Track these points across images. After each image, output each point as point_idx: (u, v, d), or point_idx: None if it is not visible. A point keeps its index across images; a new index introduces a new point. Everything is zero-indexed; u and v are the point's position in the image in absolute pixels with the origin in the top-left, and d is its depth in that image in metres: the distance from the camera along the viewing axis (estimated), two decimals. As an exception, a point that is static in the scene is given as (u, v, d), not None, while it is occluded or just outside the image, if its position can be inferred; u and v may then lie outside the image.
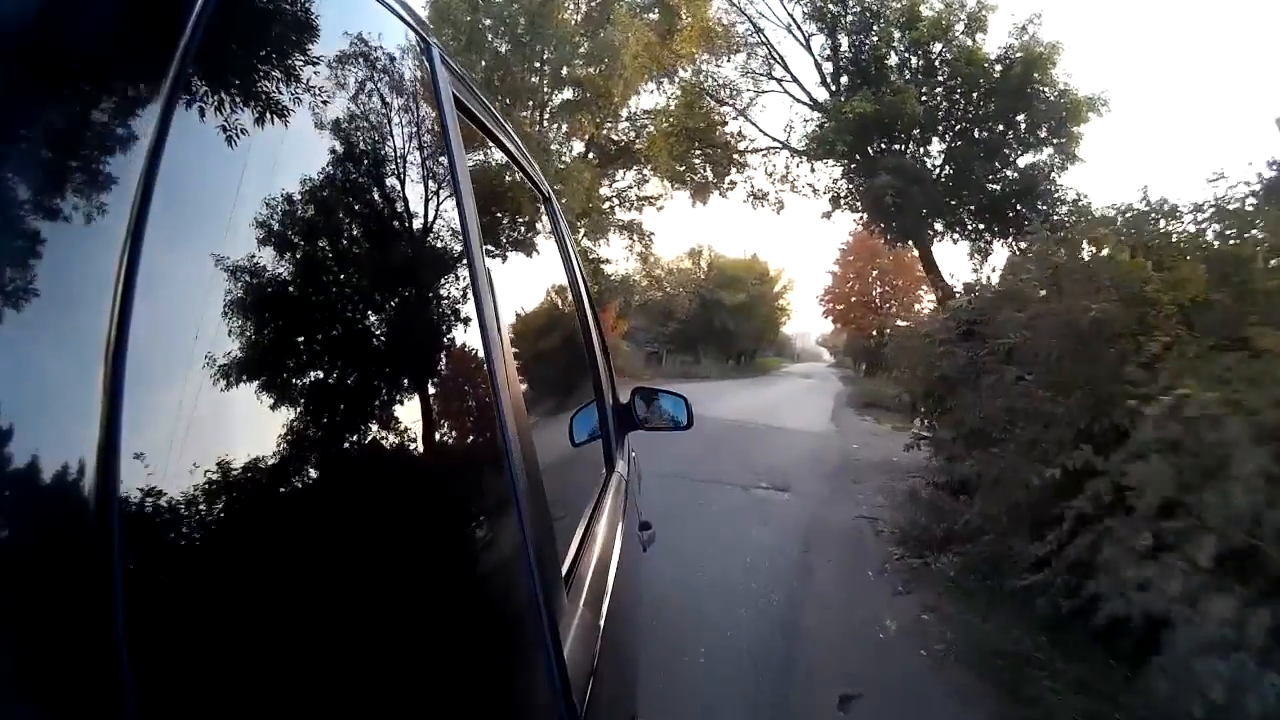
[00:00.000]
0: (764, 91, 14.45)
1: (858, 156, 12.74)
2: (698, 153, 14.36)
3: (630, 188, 19.13)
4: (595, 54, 16.78)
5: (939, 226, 12.34)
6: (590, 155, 17.68)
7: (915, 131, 12.23)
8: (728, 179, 14.88)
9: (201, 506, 0.32)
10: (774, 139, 14.57)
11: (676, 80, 13.54)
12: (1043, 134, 11.80)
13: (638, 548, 1.84)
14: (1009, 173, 12.42)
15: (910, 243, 13.37)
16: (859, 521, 6.03)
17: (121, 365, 0.27)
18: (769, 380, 27.51)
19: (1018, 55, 11.39)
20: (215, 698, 0.31)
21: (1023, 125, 11.86)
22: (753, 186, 15.00)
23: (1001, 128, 11.89)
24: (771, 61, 13.96)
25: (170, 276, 0.32)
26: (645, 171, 17.12)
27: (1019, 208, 12.16)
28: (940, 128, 12.27)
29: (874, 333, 33.94)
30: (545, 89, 16.58)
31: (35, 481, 0.25)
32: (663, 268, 28.77)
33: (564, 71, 16.39)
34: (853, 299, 31.91)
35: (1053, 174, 11.74)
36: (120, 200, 0.29)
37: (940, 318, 4.94)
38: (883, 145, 12.41)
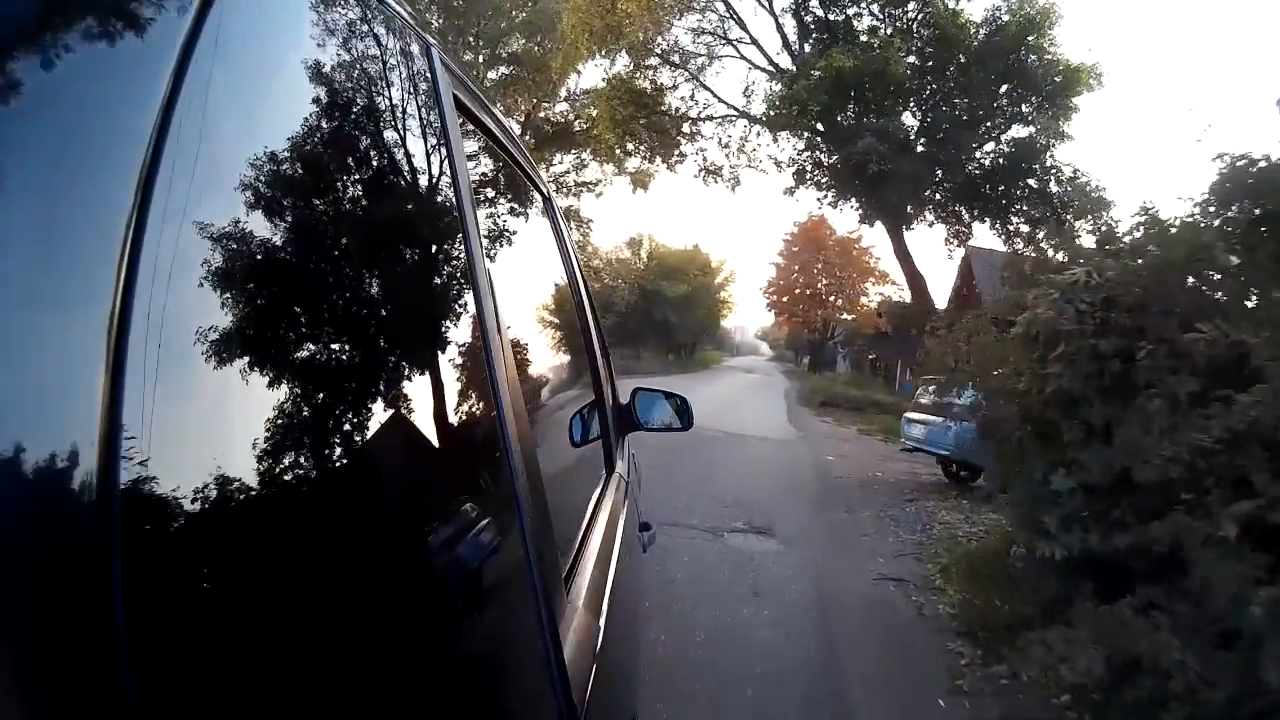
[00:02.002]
0: (719, 56, 12.49)
1: (821, 128, 10.91)
2: (644, 119, 12.25)
3: (568, 172, 17.47)
4: (533, 22, 15.34)
5: (909, 209, 10.63)
6: (526, 136, 15.63)
7: (893, 97, 10.42)
8: (677, 151, 12.82)
9: (200, 506, 0.32)
10: (731, 106, 12.63)
11: (622, 41, 11.41)
12: (1032, 105, 10.20)
13: (638, 548, 1.84)
14: (998, 146, 10.80)
15: (881, 223, 11.60)
16: (883, 586, 4.69)
17: (123, 361, 0.28)
18: (712, 375, 26.04)
19: (1006, 19, 9.77)
20: (215, 697, 0.31)
21: (1011, 95, 10.22)
22: (705, 159, 13.03)
23: (984, 98, 10.24)
24: (727, 22, 12.03)
25: (170, 276, 0.32)
26: (584, 155, 15.26)
27: (1002, 187, 10.55)
28: (912, 100, 10.55)
29: (819, 326, 32.68)
30: (480, 65, 14.58)
31: (35, 479, 0.25)
32: (601, 258, 26.89)
33: (500, 46, 14.21)
34: (796, 291, 30.49)
35: (1048, 147, 10.13)
36: (121, 199, 0.30)
37: (1046, 295, 3.07)
38: (860, 108, 10.59)
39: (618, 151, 14.78)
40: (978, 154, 11.86)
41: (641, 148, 14.07)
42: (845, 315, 31.33)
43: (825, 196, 13.09)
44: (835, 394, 18.59)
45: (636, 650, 1.56)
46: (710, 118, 13.92)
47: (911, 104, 11.64)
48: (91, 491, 0.26)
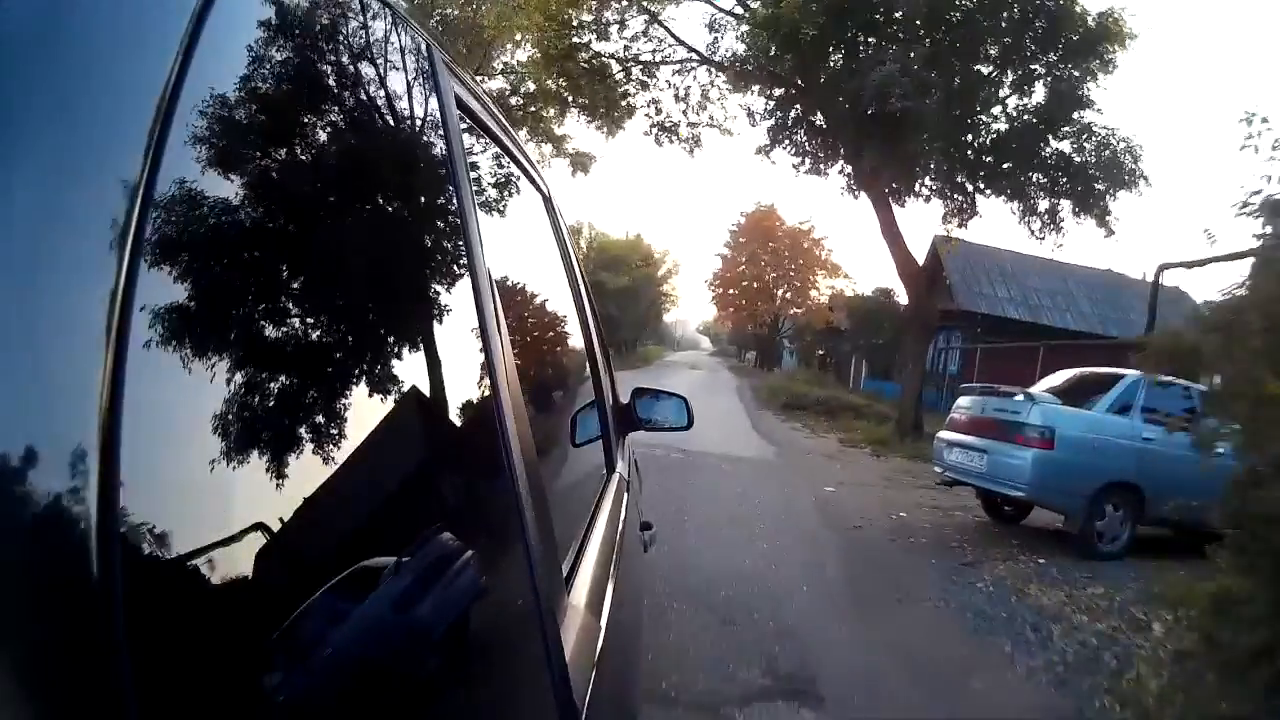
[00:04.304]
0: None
1: (802, 82, 8.36)
2: (586, 64, 9.43)
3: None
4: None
5: (913, 175, 8.19)
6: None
7: (901, 31, 7.93)
8: (625, 102, 10.03)
9: (201, 504, 0.33)
10: (692, 49, 9.89)
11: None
12: (1055, 57, 7.85)
13: (638, 548, 1.85)
14: (1020, 101, 8.43)
15: (868, 196, 9.13)
16: None
17: (122, 362, 0.28)
18: (657, 372, 23.66)
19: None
20: (215, 700, 0.32)
21: (1028, 49, 7.87)
22: (658, 110, 10.26)
23: (1001, 47, 7.87)
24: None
25: (170, 278, 0.33)
26: (521, 134, 12.22)
27: (1018, 155, 8.20)
28: (919, 43, 8.12)
29: (767, 320, 30.51)
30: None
31: (32, 477, 0.25)
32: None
33: (433, 10, 13.05)
34: (744, 283, 28.24)
35: (1078, 105, 7.80)
36: (120, 202, 0.30)
37: None
38: (855, 43, 8.07)
39: (552, 109, 11.85)
40: (990, 113, 9.50)
41: (582, 98, 11.16)
42: (794, 309, 29.21)
43: (803, 163, 10.52)
44: (796, 394, 16.58)
45: (638, 651, 1.59)
46: (666, 62, 11.17)
47: (913, 51, 9.17)
48: (91, 491, 0.26)
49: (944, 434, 6.55)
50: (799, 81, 10.20)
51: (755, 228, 32.36)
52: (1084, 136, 9.62)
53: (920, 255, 11.74)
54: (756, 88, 10.83)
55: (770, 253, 32.23)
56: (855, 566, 5.02)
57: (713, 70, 11.66)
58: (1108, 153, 9.41)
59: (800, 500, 6.93)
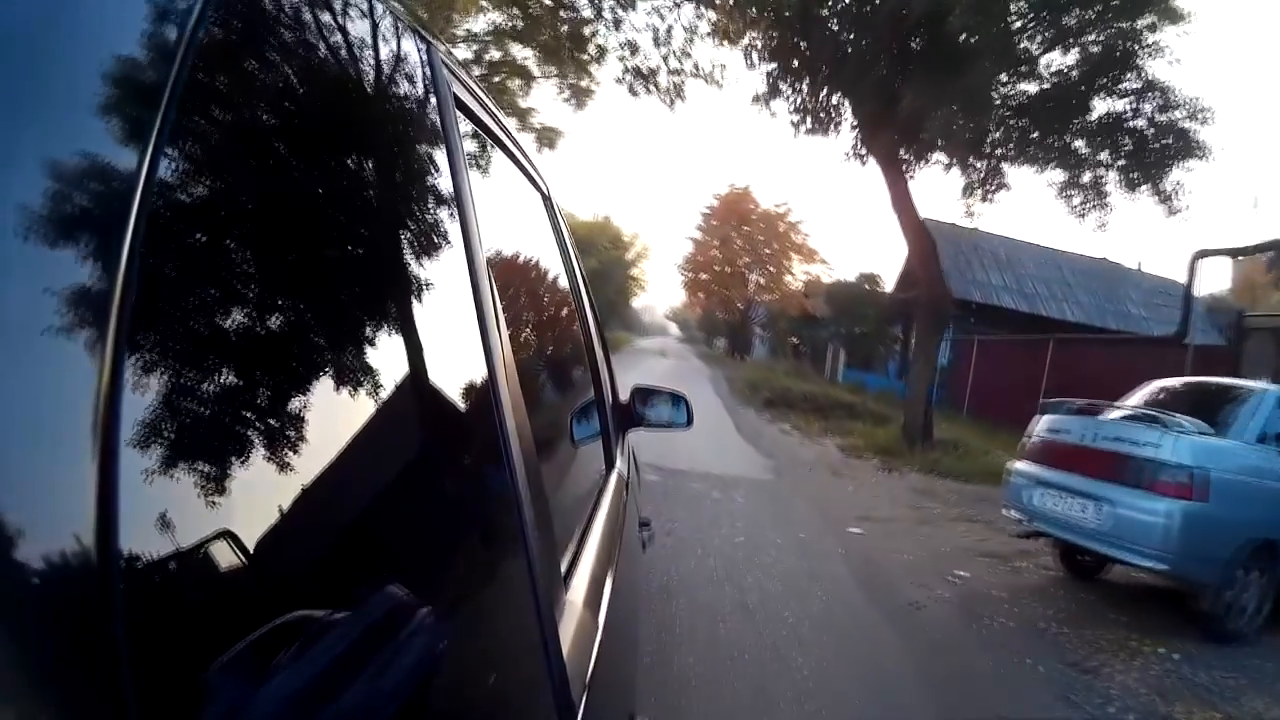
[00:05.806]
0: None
1: (796, 29, 6.71)
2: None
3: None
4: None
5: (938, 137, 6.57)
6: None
7: None
8: (593, 42, 8.19)
9: (199, 503, 0.33)
10: None
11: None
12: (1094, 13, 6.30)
13: (638, 546, 1.87)
14: (1067, 52, 6.79)
15: (877, 161, 7.49)
16: None
17: (120, 366, 0.29)
18: (625, 360, 21.75)
19: None
20: (213, 685, 0.32)
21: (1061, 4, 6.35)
22: (633, 52, 8.42)
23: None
24: None
25: (168, 275, 0.33)
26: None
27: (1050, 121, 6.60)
28: None
29: (739, 307, 28.90)
30: None
31: (32, 484, 0.26)
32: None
33: None
34: (716, 268, 26.66)
35: (1132, 51, 6.22)
36: (117, 198, 0.30)
37: None
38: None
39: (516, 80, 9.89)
40: (1020, 72, 7.86)
41: (542, 36, 9.19)
42: (768, 295, 27.67)
43: (804, 121, 8.76)
44: (777, 387, 14.81)
45: (636, 648, 1.56)
46: (641, -3, 9.29)
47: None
48: (89, 490, 0.26)
49: (1023, 466, 4.92)
50: (797, 25, 8.54)
51: (729, 210, 31.14)
52: (1144, 96, 8.14)
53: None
54: (751, 34, 9.12)
55: (744, 236, 30.92)
56: (941, 690, 3.45)
57: (700, 6, 9.92)
58: (1164, 118, 7.97)
59: (826, 555, 5.24)
